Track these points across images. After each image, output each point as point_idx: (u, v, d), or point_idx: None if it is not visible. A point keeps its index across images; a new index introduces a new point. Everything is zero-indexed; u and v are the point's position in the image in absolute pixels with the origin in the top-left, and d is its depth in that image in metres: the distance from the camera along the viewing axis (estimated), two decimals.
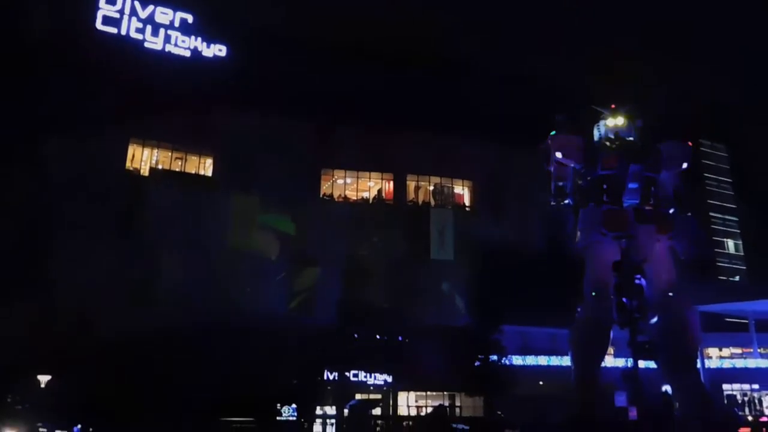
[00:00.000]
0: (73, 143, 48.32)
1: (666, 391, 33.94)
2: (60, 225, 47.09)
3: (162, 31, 59.17)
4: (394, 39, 64.38)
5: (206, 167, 60.11)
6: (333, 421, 47.89)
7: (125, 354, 40.15)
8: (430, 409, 54.48)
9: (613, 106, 32.74)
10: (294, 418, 42.77)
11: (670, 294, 29.60)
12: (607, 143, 32.12)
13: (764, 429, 28.41)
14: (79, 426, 32.65)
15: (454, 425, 29.20)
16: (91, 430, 32.01)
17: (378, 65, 61.10)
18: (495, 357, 50.14)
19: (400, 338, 54.59)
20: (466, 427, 28.69)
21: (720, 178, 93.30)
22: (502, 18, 75.78)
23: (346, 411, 45.51)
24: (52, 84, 48.37)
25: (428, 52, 65.53)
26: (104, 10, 57.02)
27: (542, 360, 58.46)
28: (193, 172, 59.51)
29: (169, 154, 58.97)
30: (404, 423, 45.33)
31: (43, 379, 38.38)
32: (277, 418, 42.25)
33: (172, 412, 34.28)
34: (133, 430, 32.55)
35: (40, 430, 35.47)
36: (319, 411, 48.35)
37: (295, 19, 61.28)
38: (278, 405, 41.99)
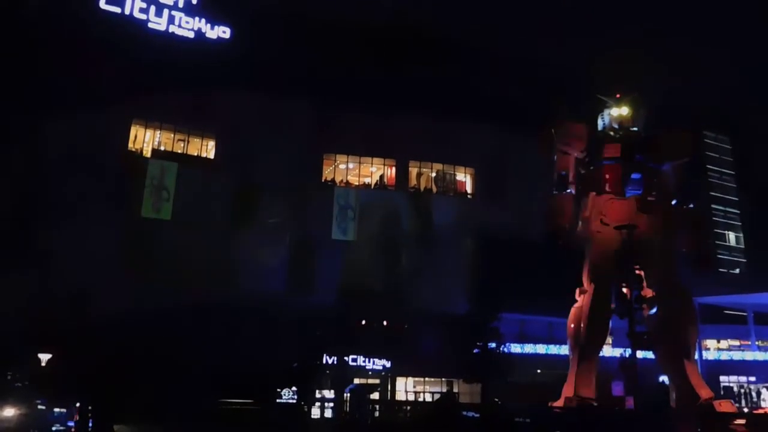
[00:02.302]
0: (75, 123, 48.25)
1: (663, 382, 34.12)
2: (60, 204, 47.16)
3: (166, 11, 58.84)
4: (397, 24, 63.98)
5: (208, 149, 60.06)
6: (331, 404, 48.23)
7: (123, 333, 40.34)
8: (428, 396, 54.85)
9: (618, 95, 32.54)
10: (294, 401, 43.04)
11: (670, 285, 29.59)
12: (611, 133, 31.98)
13: (760, 421, 28.60)
14: (78, 404, 32.82)
15: (464, 413, 29.19)
16: (89, 408, 32.18)
17: (381, 50, 60.81)
18: (493, 344, 50.39)
19: (399, 324, 54.84)
20: (476, 415, 28.68)
21: (723, 170, 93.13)
22: (504, 3, 75.17)
23: (346, 395, 45.80)
24: (54, 63, 48.19)
25: (431, 37, 65.13)
26: None
27: (540, 348, 58.75)
28: (196, 154, 59.46)
29: (172, 135, 58.88)
30: (406, 407, 45.58)
31: (44, 357, 38.61)
32: (277, 400, 42.51)
33: (171, 393, 34.47)
34: (131, 409, 32.73)
35: (39, 407, 35.62)
36: (317, 395, 48.69)
37: (299, 2, 60.87)
38: (278, 388, 42.23)
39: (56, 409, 35.78)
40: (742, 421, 25.62)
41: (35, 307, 41.51)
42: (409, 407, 43.97)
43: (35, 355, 38.53)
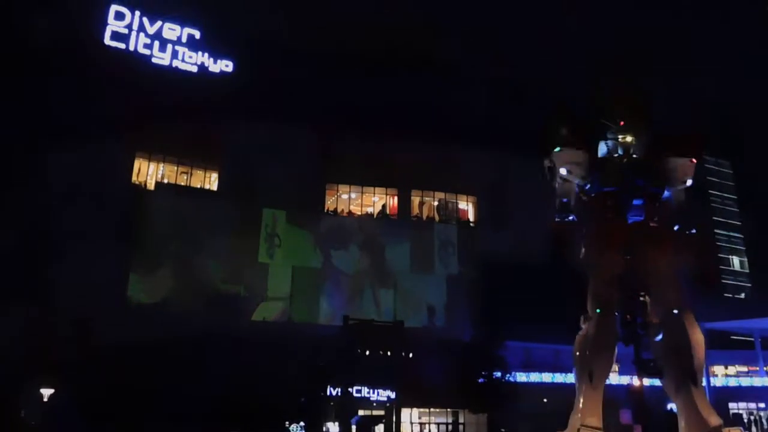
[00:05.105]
0: (80, 156, 48.67)
1: (671, 409, 33.72)
2: (65, 237, 47.29)
3: (169, 46, 59.74)
4: (397, 54, 64.69)
5: (212, 181, 60.43)
6: None
7: (129, 364, 40.13)
8: (433, 427, 54.24)
9: (621, 123, 32.69)
10: None
11: (675, 311, 29.37)
12: (614, 159, 32.07)
13: None
14: None
15: None
16: None
17: (383, 81, 61.48)
18: (498, 373, 49.93)
19: (403, 353, 54.43)
20: None
21: (725, 194, 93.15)
22: (506, 31, 76.06)
23: (353, 428, 45.34)
24: (60, 98, 48.80)
25: (432, 66, 65.81)
26: (113, 25, 57.66)
27: (546, 376, 58.15)
28: (199, 186, 59.80)
29: (175, 168, 59.32)
30: None
31: (46, 392, 38.31)
32: None
33: (178, 427, 34.20)
34: None
35: None
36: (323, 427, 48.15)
37: (300, 35, 61.77)
38: (287, 422, 41.88)
39: None
40: None
41: (40, 341, 41.34)
42: None
43: (39, 391, 38.22)
